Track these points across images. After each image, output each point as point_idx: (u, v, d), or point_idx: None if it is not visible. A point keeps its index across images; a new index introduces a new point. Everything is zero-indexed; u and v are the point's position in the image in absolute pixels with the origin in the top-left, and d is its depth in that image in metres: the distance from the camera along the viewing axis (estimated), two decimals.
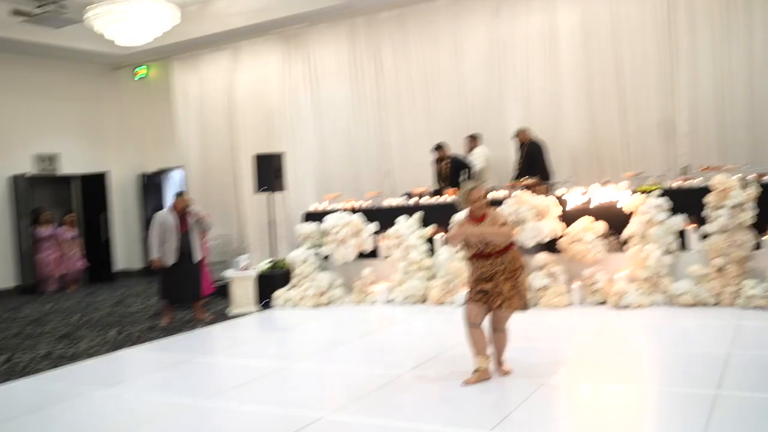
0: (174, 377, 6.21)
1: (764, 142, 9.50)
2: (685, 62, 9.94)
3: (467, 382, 5.18)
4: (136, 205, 15.18)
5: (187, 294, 8.76)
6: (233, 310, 9.24)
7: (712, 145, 9.77)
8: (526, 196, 8.38)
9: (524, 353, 5.77)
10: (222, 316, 9.00)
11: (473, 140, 10.98)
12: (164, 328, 8.44)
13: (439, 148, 11.02)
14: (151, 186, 15.17)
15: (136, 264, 14.90)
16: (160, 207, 14.14)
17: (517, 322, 5.46)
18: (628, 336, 6.62)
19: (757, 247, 7.39)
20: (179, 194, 8.85)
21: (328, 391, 5.51)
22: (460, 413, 4.63)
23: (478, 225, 5.31)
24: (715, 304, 7.31)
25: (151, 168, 15.17)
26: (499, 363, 5.45)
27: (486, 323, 5.31)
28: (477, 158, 10.78)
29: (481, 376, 5.24)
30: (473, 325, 5.27)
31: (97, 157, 14.69)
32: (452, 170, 10.62)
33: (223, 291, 10.35)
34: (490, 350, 5.34)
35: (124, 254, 14.96)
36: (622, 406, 4.68)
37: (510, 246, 5.29)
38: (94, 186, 14.45)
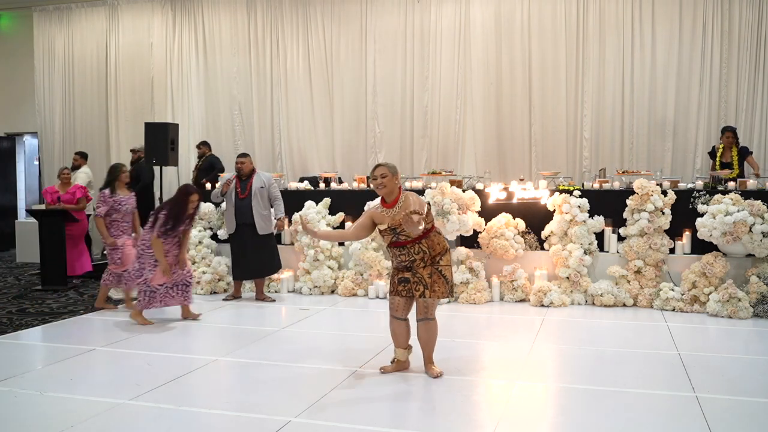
0: (89, 371, 5.27)
1: (662, 151, 9.96)
2: (593, 69, 10.20)
3: (384, 370, 5.03)
4: None
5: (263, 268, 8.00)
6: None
7: (614, 151, 10.12)
8: (448, 188, 8.12)
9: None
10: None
11: (80, 158, 10.80)
12: (38, 312, 7.33)
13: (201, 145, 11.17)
14: None
15: None
16: (7, 176, 12.57)
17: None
18: (572, 336, 6.52)
19: (672, 251, 7.63)
20: (246, 155, 8.04)
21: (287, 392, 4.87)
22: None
23: (389, 211, 4.87)
24: (633, 305, 7.46)
25: None
26: (429, 361, 5.02)
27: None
28: (80, 177, 10.35)
29: (398, 366, 5.06)
30: (396, 318, 5.00)
31: None
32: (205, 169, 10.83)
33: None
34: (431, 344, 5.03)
35: None
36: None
37: (426, 232, 4.86)
38: None
